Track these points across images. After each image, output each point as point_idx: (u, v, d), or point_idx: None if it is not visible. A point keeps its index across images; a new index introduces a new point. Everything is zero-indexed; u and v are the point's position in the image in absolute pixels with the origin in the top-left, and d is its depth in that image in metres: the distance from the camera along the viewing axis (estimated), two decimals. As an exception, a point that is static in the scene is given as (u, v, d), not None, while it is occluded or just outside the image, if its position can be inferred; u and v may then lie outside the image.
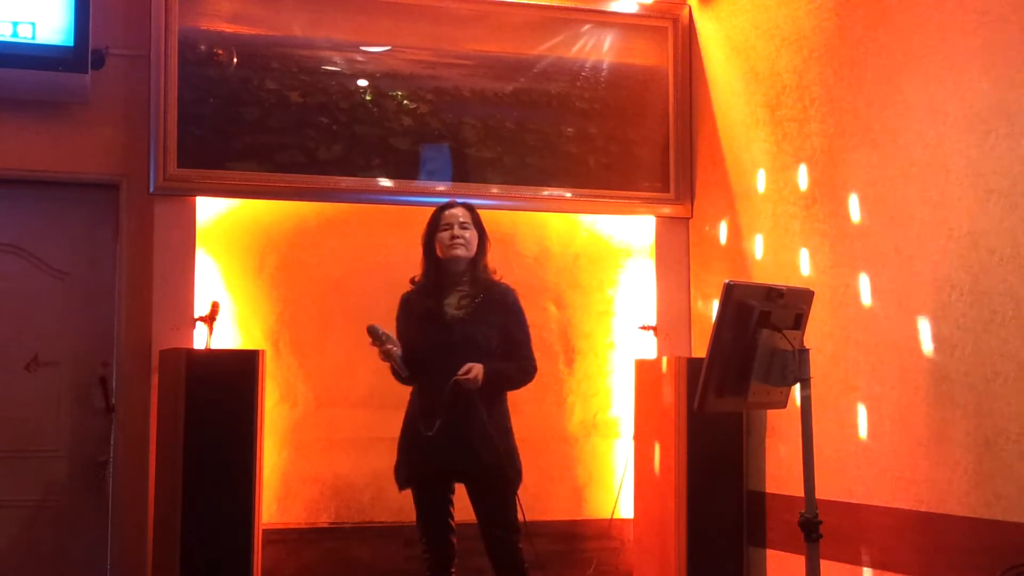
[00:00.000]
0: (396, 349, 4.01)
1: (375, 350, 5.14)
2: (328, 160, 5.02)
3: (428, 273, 4.19)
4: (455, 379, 3.93)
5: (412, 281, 4.24)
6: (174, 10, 4.82)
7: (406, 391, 4.96)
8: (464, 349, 3.99)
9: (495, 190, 5.22)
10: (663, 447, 4.97)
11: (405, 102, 5.13)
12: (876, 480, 4.24)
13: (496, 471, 4.00)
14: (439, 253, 4.14)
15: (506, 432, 4.11)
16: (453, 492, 4.12)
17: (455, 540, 4.10)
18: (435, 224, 4.17)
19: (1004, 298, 3.72)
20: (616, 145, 5.43)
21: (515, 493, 4.06)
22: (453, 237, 4.11)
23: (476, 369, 3.95)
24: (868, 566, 4.24)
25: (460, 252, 4.12)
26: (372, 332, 3.99)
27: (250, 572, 4.40)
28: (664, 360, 5.13)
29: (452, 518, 4.11)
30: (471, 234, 4.15)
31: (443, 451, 4.00)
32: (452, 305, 4.12)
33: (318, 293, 5.10)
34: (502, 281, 4.23)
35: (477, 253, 4.16)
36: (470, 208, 4.23)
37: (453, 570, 4.10)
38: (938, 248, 3.98)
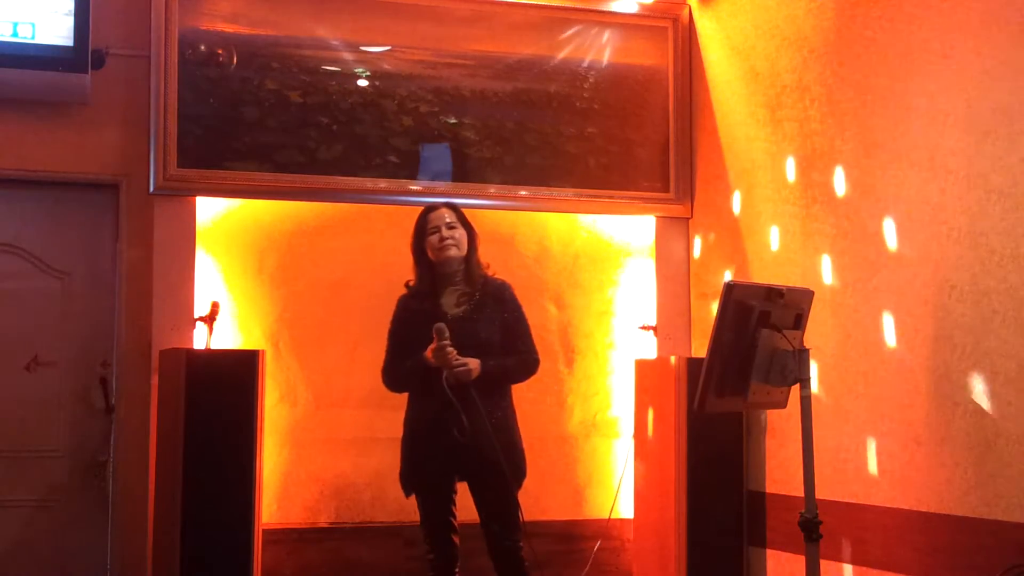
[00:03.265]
0: (453, 351, 3.98)
1: (374, 350, 5.15)
2: (328, 160, 5.02)
3: (423, 277, 4.20)
4: (448, 371, 3.95)
5: (407, 285, 4.25)
6: (174, 10, 4.82)
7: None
8: (467, 347, 3.99)
9: (495, 190, 5.22)
10: (663, 447, 4.97)
11: (405, 102, 5.13)
12: (876, 480, 4.24)
13: (498, 468, 4.00)
14: (431, 256, 4.15)
15: (509, 429, 4.12)
16: (455, 491, 4.13)
17: (457, 540, 4.11)
18: (422, 228, 4.19)
19: (1004, 298, 3.72)
20: (616, 145, 5.43)
21: (517, 491, 4.07)
22: (442, 239, 4.12)
23: (471, 362, 3.98)
24: (868, 566, 4.24)
25: (452, 252, 4.13)
26: (440, 331, 3.94)
27: (250, 572, 4.39)
28: (664, 360, 5.13)
29: (455, 517, 4.12)
30: (460, 233, 4.16)
31: (444, 453, 4.02)
32: (450, 305, 4.14)
33: (318, 293, 5.10)
34: (496, 276, 4.24)
35: (468, 250, 4.18)
36: (454, 207, 4.24)
37: (457, 570, 4.11)
38: (938, 248, 3.98)
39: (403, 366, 4.13)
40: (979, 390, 3.79)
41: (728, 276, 5.17)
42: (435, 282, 4.18)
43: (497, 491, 4.05)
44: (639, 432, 5.20)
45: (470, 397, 3.96)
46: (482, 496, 4.09)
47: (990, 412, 3.75)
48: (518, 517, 4.06)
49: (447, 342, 3.95)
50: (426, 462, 4.09)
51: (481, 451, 3.98)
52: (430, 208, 4.23)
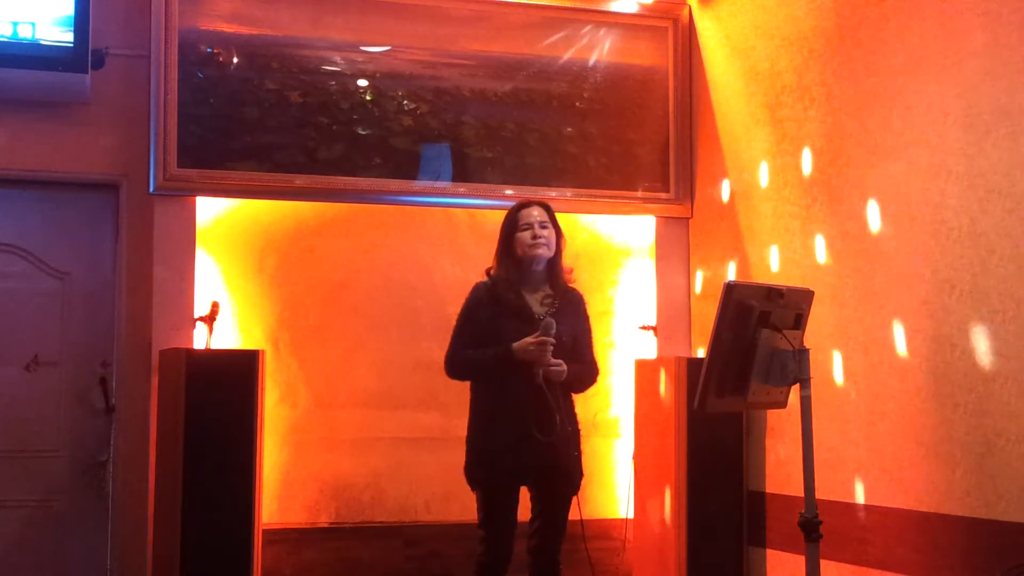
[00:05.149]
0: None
1: (374, 350, 5.15)
2: (328, 160, 5.01)
3: (508, 270, 4.13)
4: (544, 369, 3.92)
5: (487, 272, 4.19)
6: (174, 10, 4.82)
7: (405, 391, 4.97)
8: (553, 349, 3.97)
9: (495, 190, 5.22)
10: (663, 447, 4.97)
11: (405, 102, 5.13)
12: (876, 480, 4.24)
13: (567, 471, 4.01)
14: (519, 253, 4.11)
15: (578, 434, 4.14)
16: (519, 492, 4.08)
17: (513, 544, 4.04)
18: (513, 223, 4.14)
19: (1004, 298, 3.72)
20: (616, 145, 5.43)
21: (575, 496, 4.07)
22: (535, 237, 4.09)
23: (563, 364, 3.97)
24: (868, 566, 4.24)
25: (543, 251, 4.10)
26: (548, 326, 3.92)
27: (250, 572, 4.39)
28: (664, 360, 5.13)
29: (515, 519, 4.06)
30: (550, 233, 4.13)
31: (522, 451, 3.97)
32: (535, 303, 4.11)
33: (318, 293, 5.10)
34: (572, 286, 4.23)
35: (556, 252, 4.16)
36: (546, 207, 4.21)
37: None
38: (938, 248, 3.99)
39: (481, 354, 4.04)
40: (979, 389, 3.80)
41: (730, 275, 5.17)
42: (521, 278, 4.13)
43: (560, 494, 4.04)
44: (639, 432, 5.20)
45: (559, 398, 3.96)
46: (546, 499, 4.06)
47: (990, 411, 3.75)
48: (566, 521, 4.05)
49: (552, 340, 3.92)
50: (499, 459, 4.01)
51: (558, 454, 3.97)
52: (522, 204, 4.20)
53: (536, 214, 4.14)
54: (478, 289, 4.16)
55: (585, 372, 4.18)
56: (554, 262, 4.16)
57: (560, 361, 3.96)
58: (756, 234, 5.02)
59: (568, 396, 4.11)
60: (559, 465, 4.00)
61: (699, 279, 5.46)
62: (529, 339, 3.94)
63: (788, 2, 4.81)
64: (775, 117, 4.89)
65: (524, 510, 4.11)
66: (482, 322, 4.07)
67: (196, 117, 4.84)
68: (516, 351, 3.95)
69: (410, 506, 5.09)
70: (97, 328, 4.87)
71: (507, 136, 5.28)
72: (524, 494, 4.11)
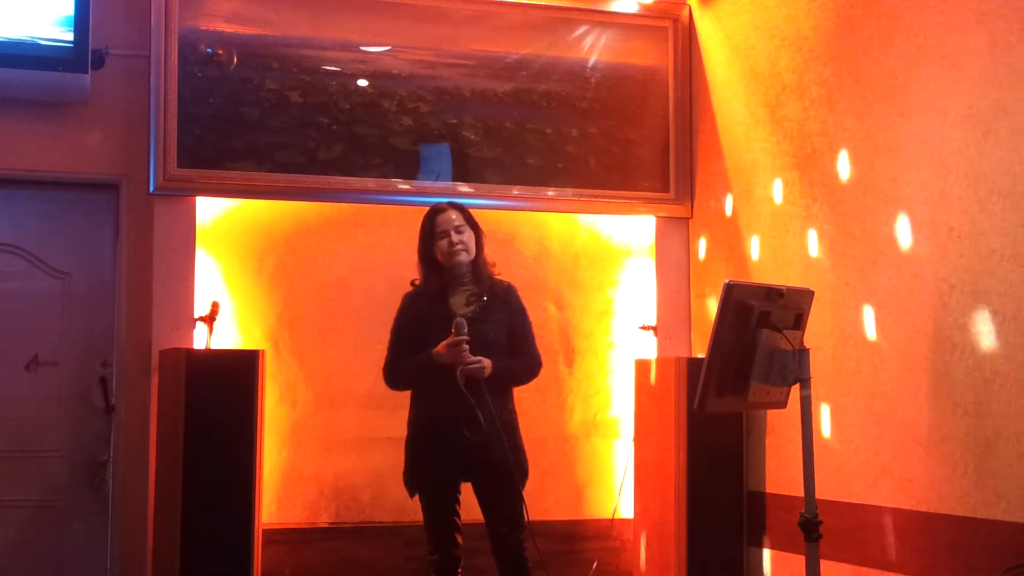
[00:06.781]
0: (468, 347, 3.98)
1: (374, 350, 5.15)
2: (328, 160, 5.02)
3: (429, 277, 4.18)
4: (462, 368, 3.93)
5: (412, 283, 4.24)
6: (174, 10, 4.82)
7: (404, 391, 4.95)
8: (474, 347, 3.97)
9: (495, 190, 5.22)
10: (663, 447, 4.97)
11: (405, 102, 5.13)
12: (876, 480, 4.24)
13: (506, 468, 4.00)
14: (440, 260, 4.14)
15: (514, 429, 4.13)
16: (460, 491, 4.12)
17: (461, 540, 4.10)
18: (430, 231, 4.17)
19: (1004, 298, 3.72)
20: (616, 145, 5.43)
21: (522, 491, 4.06)
22: (452, 244, 4.10)
23: (484, 360, 3.98)
24: (868, 566, 4.24)
25: (463, 257, 4.12)
26: (459, 326, 3.94)
27: (250, 572, 4.40)
28: (664, 360, 5.13)
29: (459, 517, 4.11)
30: (468, 235, 4.15)
31: (454, 451, 3.99)
32: (459, 305, 4.12)
33: (318, 293, 5.10)
34: (501, 277, 4.24)
35: (476, 251, 4.17)
36: (461, 208, 4.22)
37: (460, 570, 4.09)
38: (938, 248, 3.99)
39: (409, 363, 4.10)
40: (979, 390, 3.80)
41: (730, 275, 5.17)
42: (443, 282, 4.15)
43: (504, 490, 4.04)
44: (639, 432, 5.20)
45: (483, 396, 3.96)
46: (488, 496, 4.08)
47: (990, 411, 3.75)
48: (523, 516, 4.05)
49: (465, 338, 3.94)
50: (432, 461, 4.07)
51: (490, 450, 3.97)
52: (437, 210, 4.20)
53: (453, 218, 4.15)
54: (404, 300, 4.22)
55: (522, 365, 4.18)
56: (476, 261, 4.17)
57: (479, 359, 3.97)
58: (756, 234, 5.02)
59: (502, 391, 4.10)
60: (492, 460, 4.00)
61: (699, 279, 5.46)
62: (444, 342, 3.97)
63: (788, 2, 4.81)
64: (775, 117, 4.89)
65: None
66: (411, 332, 4.13)
67: (196, 117, 4.84)
68: (435, 356, 3.99)
69: (410, 506, 5.05)
70: (97, 328, 4.87)
71: (507, 136, 5.28)
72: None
